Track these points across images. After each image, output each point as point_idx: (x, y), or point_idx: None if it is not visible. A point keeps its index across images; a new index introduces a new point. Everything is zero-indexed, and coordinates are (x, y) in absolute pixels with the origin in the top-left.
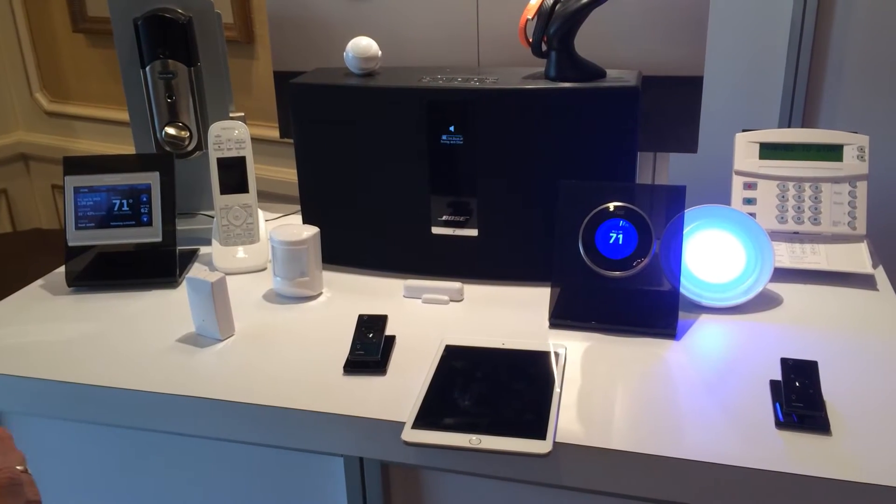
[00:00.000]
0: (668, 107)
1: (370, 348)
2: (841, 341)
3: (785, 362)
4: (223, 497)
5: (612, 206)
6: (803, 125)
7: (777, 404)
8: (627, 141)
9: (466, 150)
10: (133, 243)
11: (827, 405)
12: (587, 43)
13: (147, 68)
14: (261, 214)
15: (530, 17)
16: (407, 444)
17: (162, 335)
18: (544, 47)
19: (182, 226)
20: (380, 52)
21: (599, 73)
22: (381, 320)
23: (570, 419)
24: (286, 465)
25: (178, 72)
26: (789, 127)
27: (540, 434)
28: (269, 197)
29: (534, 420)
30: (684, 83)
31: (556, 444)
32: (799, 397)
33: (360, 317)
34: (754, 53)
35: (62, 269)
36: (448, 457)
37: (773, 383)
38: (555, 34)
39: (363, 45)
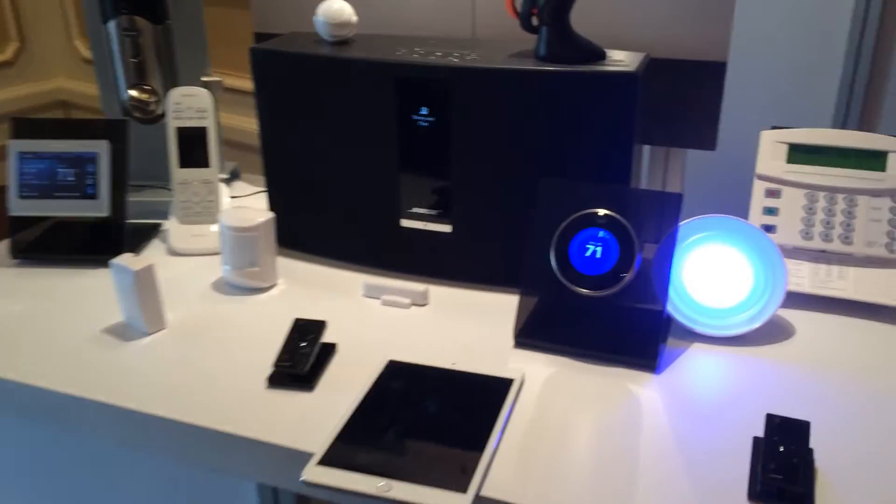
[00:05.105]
0: (684, 95)
1: (298, 359)
2: (856, 392)
3: (770, 419)
4: None
5: (592, 213)
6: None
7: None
8: (622, 136)
9: (440, 136)
10: (76, 216)
11: (819, 476)
12: (588, 19)
13: (110, 23)
14: (224, 191)
15: None
16: (307, 484)
17: (90, 322)
18: (535, 21)
19: (148, 197)
20: (355, 18)
21: (597, 55)
22: (317, 326)
23: (505, 467)
24: (198, 484)
25: (143, 29)
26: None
27: (460, 486)
28: (248, 149)
29: (459, 467)
30: (704, 69)
31: (479, 498)
32: (779, 466)
33: (296, 321)
34: (793, 37)
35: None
36: (357, 500)
37: (757, 442)
38: (545, 6)
39: (335, 8)
